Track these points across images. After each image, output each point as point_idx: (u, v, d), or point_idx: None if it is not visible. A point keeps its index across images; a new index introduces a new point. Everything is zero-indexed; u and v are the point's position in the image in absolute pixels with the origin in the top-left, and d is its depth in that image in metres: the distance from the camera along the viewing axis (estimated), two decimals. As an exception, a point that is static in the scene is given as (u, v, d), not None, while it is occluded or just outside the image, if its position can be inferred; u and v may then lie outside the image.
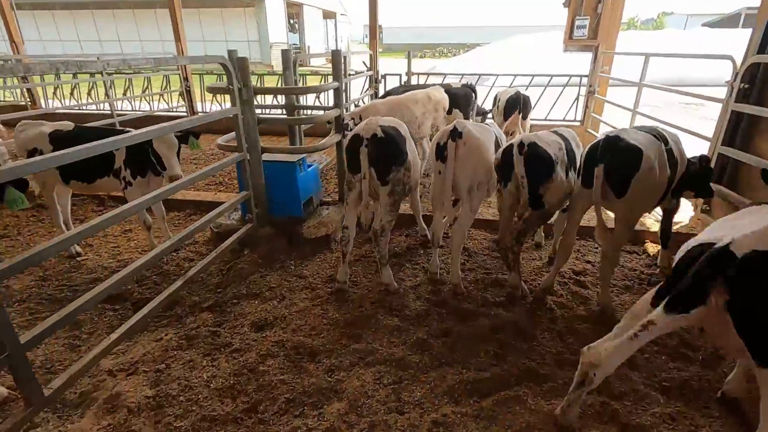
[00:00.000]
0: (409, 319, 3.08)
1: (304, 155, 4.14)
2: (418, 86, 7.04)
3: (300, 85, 9.71)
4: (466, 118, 6.35)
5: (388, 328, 2.97)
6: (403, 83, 8.61)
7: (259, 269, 3.72)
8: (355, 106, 6.69)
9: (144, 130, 2.82)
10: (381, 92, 8.84)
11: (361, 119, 5.14)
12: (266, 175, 3.96)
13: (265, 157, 3.97)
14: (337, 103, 4.29)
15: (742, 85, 3.67)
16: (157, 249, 2.93)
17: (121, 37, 29.28)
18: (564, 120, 8.58)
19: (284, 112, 5.05)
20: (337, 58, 4.13)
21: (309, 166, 4.46)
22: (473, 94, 6.41)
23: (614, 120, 7.21)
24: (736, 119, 3.85)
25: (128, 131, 3.61)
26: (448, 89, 6.27)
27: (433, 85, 6.44)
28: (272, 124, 6.70)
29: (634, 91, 5.81)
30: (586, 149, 2.92)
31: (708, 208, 4.11)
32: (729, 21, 38.96)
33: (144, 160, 3.63)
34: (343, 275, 3.39)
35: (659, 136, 2.93)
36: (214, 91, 3.81)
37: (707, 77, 19.43)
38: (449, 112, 6.25)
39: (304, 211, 4.24)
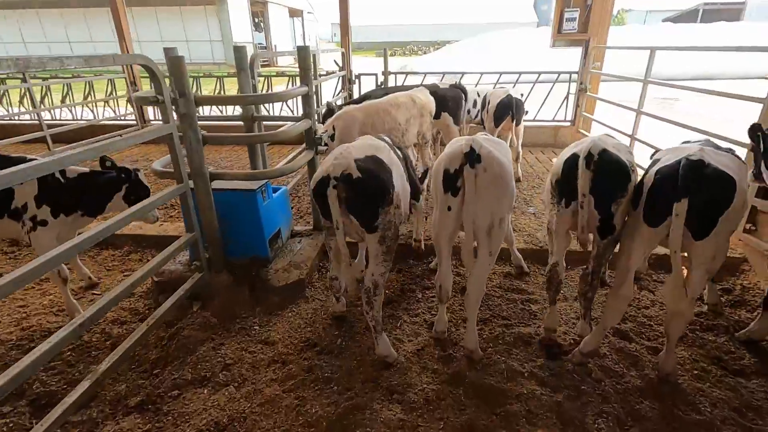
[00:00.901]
0: (416, 407, 2.28)
1: (267, 180, 3.27)
2: (398, 88, 6.26)
3: (263, 89, 8.71)
4: (457, 122, 5.60)
5: (390, 426, 2.16)
6: (379, 84, 7.82)
7: (212, 335, 2.84)
8: (328, 111, 5.84)
9: (36, 162, 1.91)
10: (356, 94, 8.03)
11: (334, 130, 4.32)
12: (219, 208, 3.08)
13: (217, 185, 3.09)
14: (307, 113, 3.45)
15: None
16: (76, 319, 2.10)
17: (70, 38, 27.26)
18: (554, 120, 8.00)
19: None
20: (304, 56, 3.28)
21: (275, 190, 3.60)
22: (463, 96, 5.67)
23: (607, 119, 6.66)
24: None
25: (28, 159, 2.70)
26: (434, 90, 5.51)
27: (416, 86, 5.67)
28: (223, 143, 5.57)
29: (620, 87, 5.21)
30: (655, 174, 2.18)
31: (754, 228, 3.49)
32: (688, 16, 40.19)
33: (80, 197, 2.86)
34: (341, 306, 3.00)
35: (736, 155, 2.25)
36: (141, 102, 2.89)
37: (677, 72, 19.62)
38: (437, 116, 5.49)
39: (270, 249, 3.39)
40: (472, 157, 2.19)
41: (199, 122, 2.80)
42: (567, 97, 7.98)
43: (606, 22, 7.42)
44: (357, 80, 7.97)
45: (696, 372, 2.52)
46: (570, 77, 7.89)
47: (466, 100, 5.71)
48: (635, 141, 5.80)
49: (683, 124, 4.47)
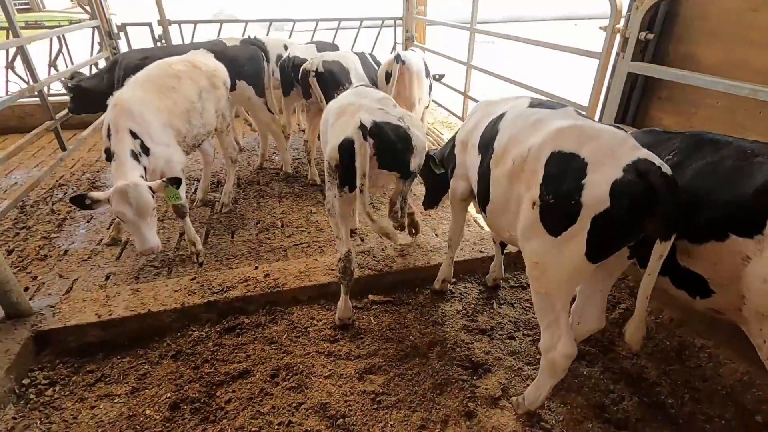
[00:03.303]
0: None
1: None
2: (191, 46, 4.26)
3: None
4: (260, 93, 4.16)
5: None
6: (157, 38, 5.70)
7: None
8: (72, 91, 3.77)
9: None
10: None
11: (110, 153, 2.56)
12: None
13: None
14: None
15: (645, 34, 2.50)
16: None
17: None
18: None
19: None
20: None
21: None
22: (262, 55, 4.20)
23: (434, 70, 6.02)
24: (617, 84, 2.75)
25: None
26: (221, 50, 3.92)
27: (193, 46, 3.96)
28: None
29: (438, 32, 4.50)
30: (612, 197, 1.43)
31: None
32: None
33: None
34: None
35: None
36: None
37: (488, 16, 20.73)
38: (233, 87, 3.96)
39: None
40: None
41: None
42: (394, 47, 7.12)
43: (423, -39, 6.58)
44: (122, 35, 5.67)
45: (582, 440, 1.94)
46: (395, 23, 6.98)
47: (267, 60, 4.25)
48: (469, 99, 5.28)
49: (517, 81, 3.98)
